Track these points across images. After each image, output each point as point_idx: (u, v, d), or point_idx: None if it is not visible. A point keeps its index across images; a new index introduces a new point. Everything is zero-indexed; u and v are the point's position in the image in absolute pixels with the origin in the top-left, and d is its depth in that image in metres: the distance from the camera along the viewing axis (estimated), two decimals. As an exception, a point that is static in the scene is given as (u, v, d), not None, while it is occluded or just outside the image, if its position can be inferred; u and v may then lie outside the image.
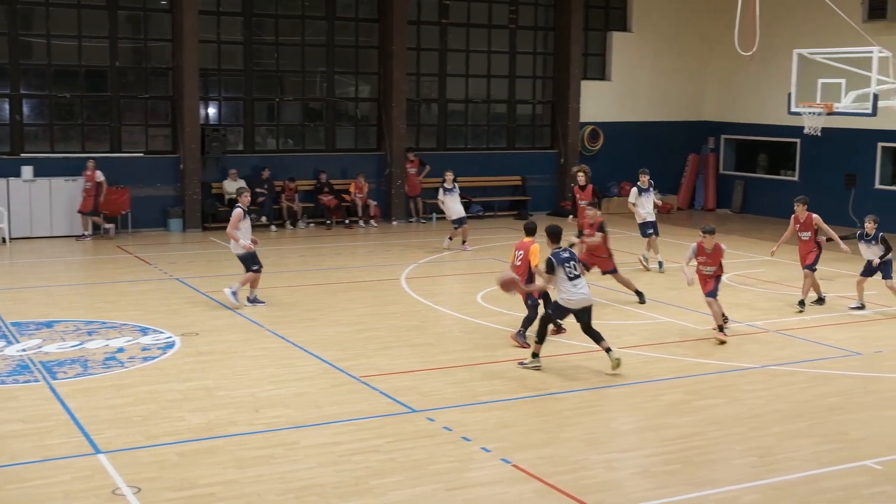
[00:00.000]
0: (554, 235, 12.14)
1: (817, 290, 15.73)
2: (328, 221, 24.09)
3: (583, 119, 27.64)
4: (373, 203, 24.71)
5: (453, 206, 20.62)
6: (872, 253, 15.41)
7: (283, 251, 20.65)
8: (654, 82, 28.71)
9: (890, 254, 15.32)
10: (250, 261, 15.21)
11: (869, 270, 15.48)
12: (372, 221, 24.53)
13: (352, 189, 24.51)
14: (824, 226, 15.83)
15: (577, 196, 18.17)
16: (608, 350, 11.86)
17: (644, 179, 18.83)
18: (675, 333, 13.92)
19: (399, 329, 14.03)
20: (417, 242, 21.82)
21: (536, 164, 27.52)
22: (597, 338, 11.92)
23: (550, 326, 12.42)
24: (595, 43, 28.38)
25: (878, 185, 24.89)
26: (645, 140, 28.31)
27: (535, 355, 11.96)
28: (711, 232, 13.54)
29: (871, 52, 17.73)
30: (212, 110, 24.50)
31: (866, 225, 15.52)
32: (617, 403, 10.94)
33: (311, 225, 24.13)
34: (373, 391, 11.02)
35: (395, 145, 25.14)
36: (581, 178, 18.10)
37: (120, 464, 8.75)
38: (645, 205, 18.72)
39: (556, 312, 12.12)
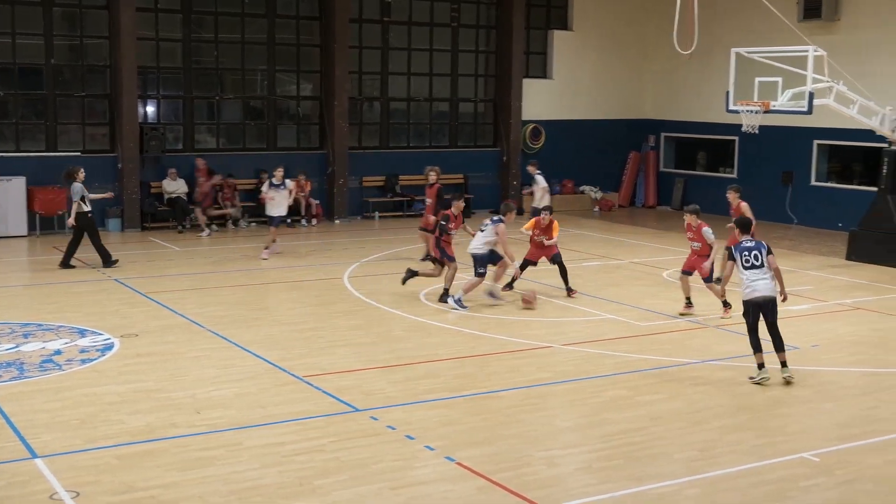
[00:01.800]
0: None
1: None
2: (286, 217, 23.79)
3: (525, 117, 27.77)
4: (315, 202, 24.59)
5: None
6: None
7: (224, 250, 20.45)
8: (595, 81, 28.92)
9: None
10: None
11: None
12: (314, 220, 24.40)
13: (293, 188, 24.30)
14: (750, 214, 16.04)
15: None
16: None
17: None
18: (616, 330, 14.04)
19: (342, 328, 13.98)
20: (361, 241, 21.75)
21: (479, 162, 27.59)
22: None
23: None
24: (537, 42, 28.52)
25: (813, 182, 25.33)
26: (586, 138, 28.53)
27: None
28: (692, 211, 14.71)
29: (807, 51, 18.06)
30: (150, 109, 24.20)
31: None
32: (559, 400, 11.00)
33: (253, 224, 23.93)
34: (316, 391, 10.96)
35: (337, 144, 25.03)
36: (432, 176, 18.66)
37: (58, 468, 8.60)
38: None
39: None
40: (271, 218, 19.48)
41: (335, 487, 8.33)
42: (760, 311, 11.51)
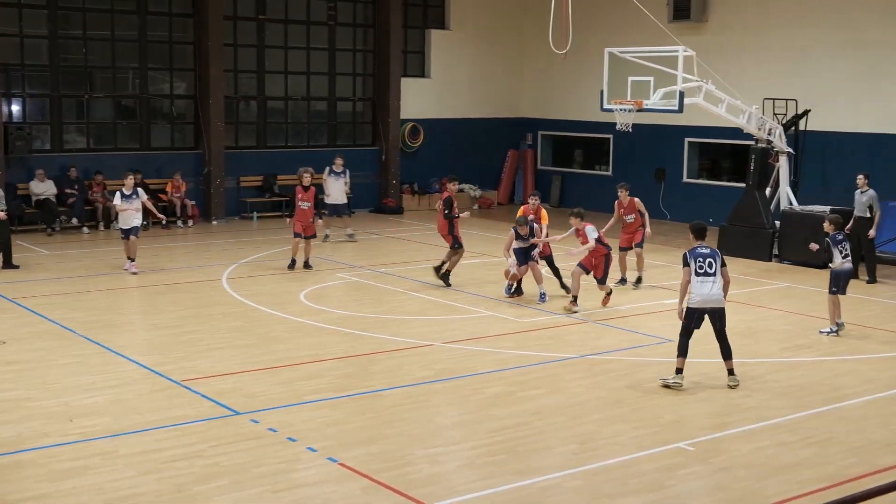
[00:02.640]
0: None
1: (642, 267, 16.98)
2: (144, 222, 23.25)
3: (403, 116, 27.78)
4: (191, 202, 24.10)
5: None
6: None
7: (96, 253, 19.87)
8: (473, 79, 29.13)
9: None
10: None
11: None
12: (190, 221, 23.92)
13: (168, 188, 23.83)
14: (643, 208, 17.05)
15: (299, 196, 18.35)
16: None
17: (339, 163, 21.47)
18: (496, 327, 14.15)
19: (221, 330, 13.73)
20: (239, 242, 21.41)
21: (358, 161, 27.44)
22: None
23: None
24: (414, 40, 28.57)
25: (685, 179, 26.05)
26: (465, 136, 28.72)
27: None
28: (577, 214, 15.36)
29: (677, 51, 18.52)
30: (15, 108, 23.35)
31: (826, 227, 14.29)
32: (441, 398, 11.03)
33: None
34: (195, 395, 10.73)
35: (213, 143, 24.59)
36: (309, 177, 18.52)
37: (-80, 483, 8.20)
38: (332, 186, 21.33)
39: None
40: (125, 231, 17.85)
41: (215, 493, 8.17)
42: (709, 318, 11.40)
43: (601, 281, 15.27)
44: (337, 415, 10.22)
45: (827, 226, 14.13)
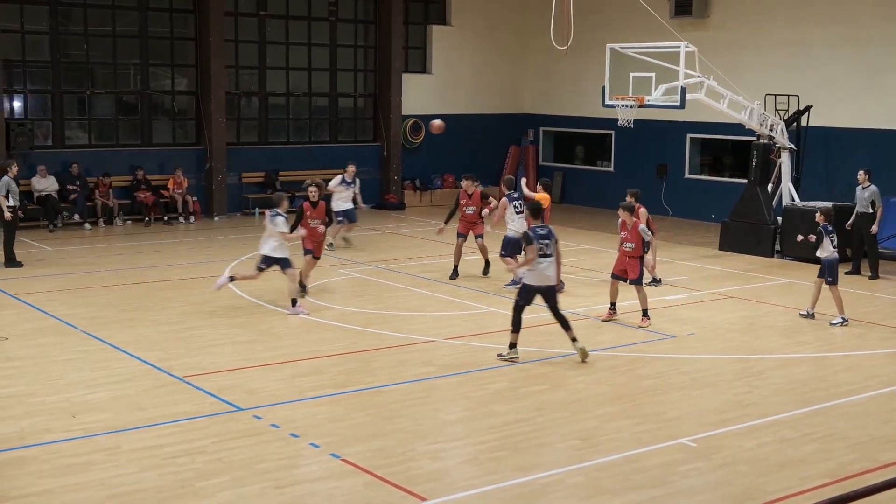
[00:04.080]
0: None
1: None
2: (146, 218, 23.35)
3: (404, 112, 27.77)
4: (192, 199, 24.10)
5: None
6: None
7: (98, 250, 19.88)
8: (474, 75, 29.12)
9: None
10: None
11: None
12: (192, 217, 23.92)
13: (170, 185, 23.84)
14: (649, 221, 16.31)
15: None
16: None
17: (350, 171, 20.29)
18: (498, 323, 14.14)
19: (222, 326, 13.73)
20: (241, 238, 21.40)
21: (359, 157, 27.37)
22: None
23: None
24: (415, 36, 28.56)
25: (687, 175, 26.04)
26: (466, 132, 28.68)
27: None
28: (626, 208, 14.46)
29: (679, 47, 18.50)
30: (17, 104, 23.35)
31: (818, 217, 14.63)
32: (444, 394, 11.03)
33: (129, 222, 23.34)
34: (197, 391, 10.74)
35: (214, 139, 24.60)
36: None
37: (-77, 479, 8.22)
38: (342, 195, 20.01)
39: None
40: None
41: (217, 489, 8.17)
42: (542, 296, 11.98)
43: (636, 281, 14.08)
44: (339, 411, 10.22)
45: (819, 216, 14.66)
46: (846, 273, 18.13)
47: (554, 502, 8.11)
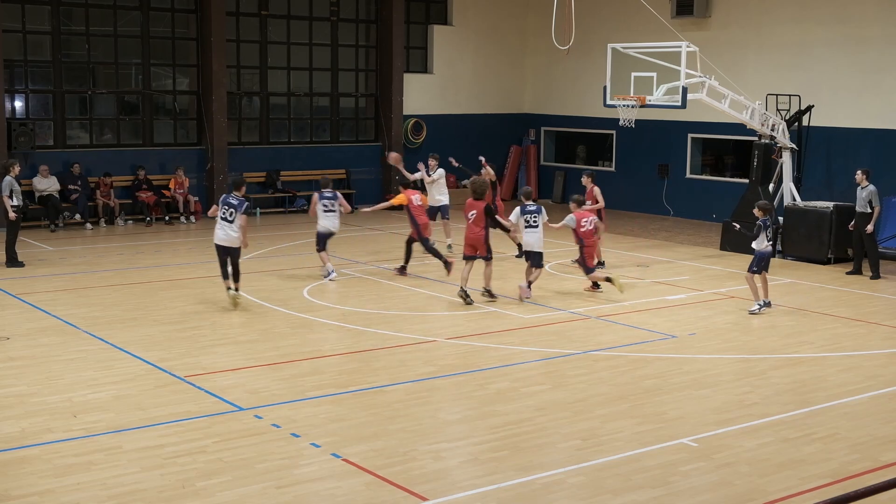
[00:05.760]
0: None
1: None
2: (147, 218, 23.37)
3: (406, 112, 27.77)
4: (194, 199, 24.11)
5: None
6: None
7: (99, 249, 19.89)
8: (475, 75, 29.12)
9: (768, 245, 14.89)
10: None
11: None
12: (193, 217, 23.93)
13: (171, 185, 23.86)
14: (601, 198, 18.10)
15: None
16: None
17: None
18: (500, 323, 14.15)
19: (224, 326, 13.74)
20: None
21: (361, 157, 27.47)
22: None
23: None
24: (416, 36, 28.56)
25: (688, 175, 26.03)
26: (468, 132, 28.69)
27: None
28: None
29: (680, 46, 18.50)
30: (18, 104, 23.36)
31: (756, 212, 15.17)
32: (445, 394, 11.03)
33: (130, 222, 23.36)
34: (198, 391, 10.75)
35: (216, 139, 24.61)
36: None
37: (-76, 479, 8.22)
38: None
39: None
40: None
41: (218, 489, 8.18)
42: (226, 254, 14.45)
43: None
44: (340, 411, 10.22)
45: (757, 211, 15.10)
46: (847, 273, 18.15)
47: (555, 502, 8.11)
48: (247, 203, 14.78)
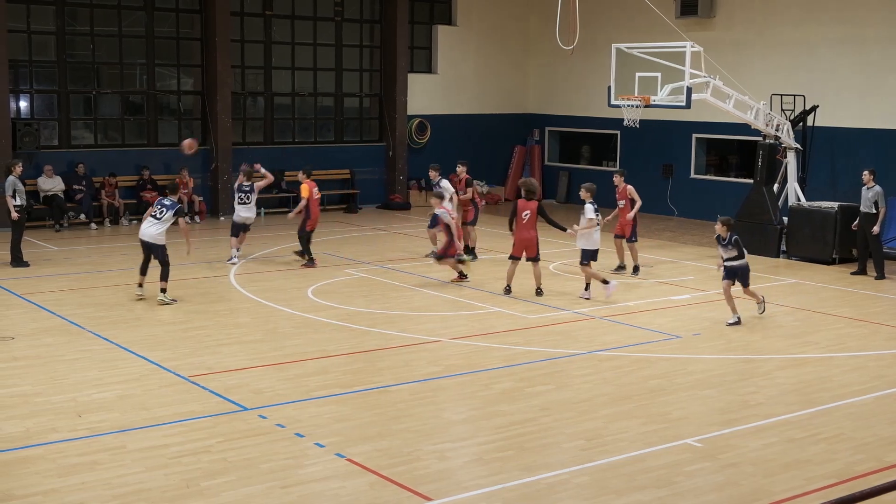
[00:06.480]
0: None
1: (635, 258, 17.61)
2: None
3: (410, 112, 27.77)
4: (198, 199, 24.13)
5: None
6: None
7: (104, 249, 19.91)
8: (479, 75, 29.11)
9: (743, 259, 14.37)
10: None
11: (729, 274, 14.45)
12: (197, 217, 23.94)
13: (176, 184, 23.84)
14: (636, 196, 17.55)
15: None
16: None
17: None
18: (504, 323, 14.14)
19: (228, 326, 13.75)
20: (246, 237, 21.38)
21: (365, 157, 27.47)
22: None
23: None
24: (421, 36, 28.55)
25: (693, 175, 26.00)
26: (472, 132, 28.69)
27: None
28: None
29: (684, 46, 18.48)
30: (23, 104, 23.39)
31: (717, 227, 14.55)
32: (449, 394, 11.03)
33: (135, 222, 23.34)
34: (202, 390, 10.75)
35: (220, 139, 24.62)
36: None
37: (-71, 478, 8.23)
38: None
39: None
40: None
41: (223, 488, 8.18)
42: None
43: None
44: (345, 410, 10.22)
45: (723, 228, 14.19)
46: (852, 273, 18.12)
47: (559, 502, 8.10)
48: (179, 206, 15.24)
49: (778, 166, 20.63)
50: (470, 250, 18.75)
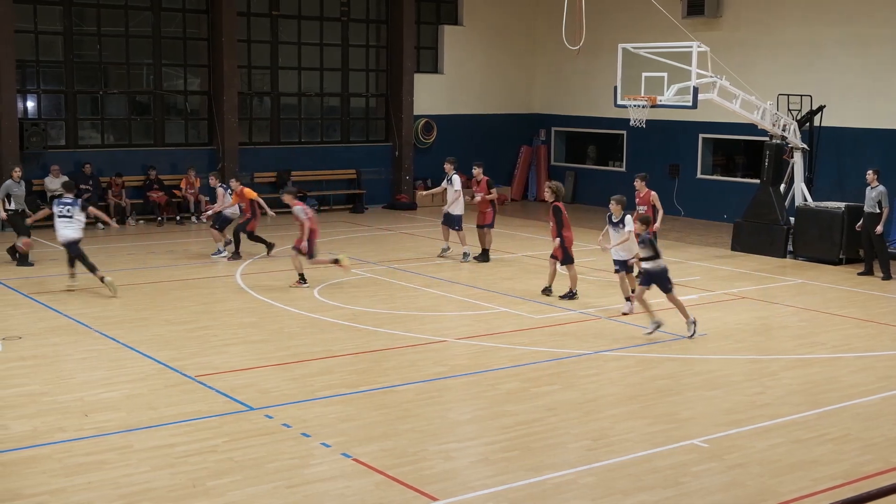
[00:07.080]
0: None
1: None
2: (159, 218, 23.43)
3: (416, 112, 27.78)
4: (204, 198, 24.15)
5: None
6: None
7: (110, 249, 19.92)
8: (486, 75, 29.11)
9: (659, 260, 13.47)
10: None
11: (645, 279, 13.51)
12: (203, 217, 23.95)
13: (182, 184, 23.90)
14: (658, 204, 16.74)
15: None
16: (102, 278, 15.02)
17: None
18: (510, 323, 14.13)
19: (234, 326, 13.76)
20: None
21: (371, 157, 27.50)
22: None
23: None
24: (427, 36, 28.56)
25: (699, 175, 25.97)
26: (478, 132, 28.70)
27: None
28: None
29: (691, 46, 18.46)
30: (31, 104, 23.44)
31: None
32: (455, 394, 11.02)
33: (141, 222, 23.41)
34: (209, 390, 10.76)
35: (226, 139, 24.65)
36: None
37: (-64, 477, 8.25)
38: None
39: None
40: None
41: (229, 488, 8.19)
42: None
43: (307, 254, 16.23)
44: (350, 410, 10.22)
45: (639, 226, 13.58)
46: (858, 274, 18.08)
47: (565, 503, 8.10)
48: (79, 200, 15.80)
49: (785, 166, 20.59)
50: (484, 252, 18.72)
